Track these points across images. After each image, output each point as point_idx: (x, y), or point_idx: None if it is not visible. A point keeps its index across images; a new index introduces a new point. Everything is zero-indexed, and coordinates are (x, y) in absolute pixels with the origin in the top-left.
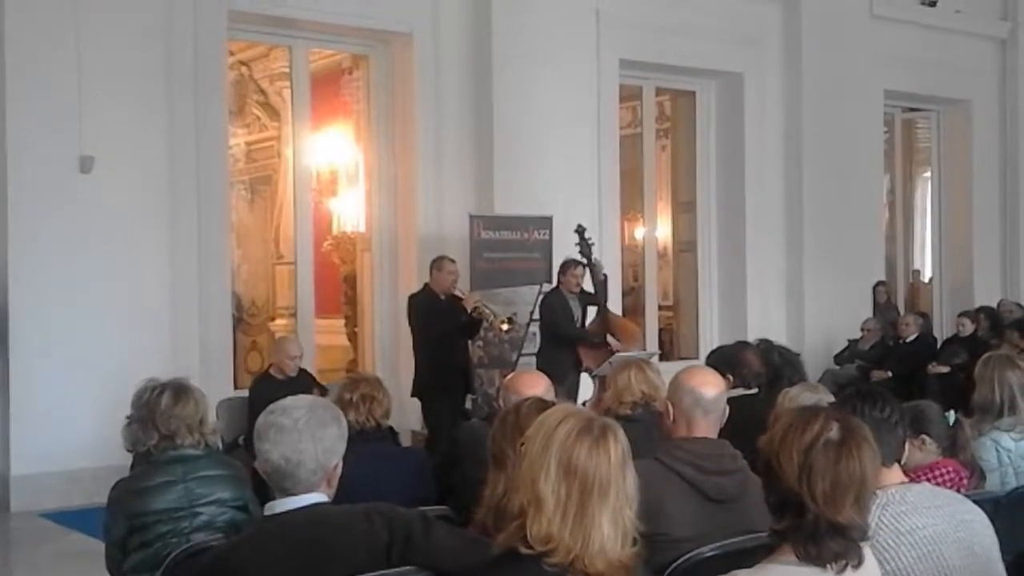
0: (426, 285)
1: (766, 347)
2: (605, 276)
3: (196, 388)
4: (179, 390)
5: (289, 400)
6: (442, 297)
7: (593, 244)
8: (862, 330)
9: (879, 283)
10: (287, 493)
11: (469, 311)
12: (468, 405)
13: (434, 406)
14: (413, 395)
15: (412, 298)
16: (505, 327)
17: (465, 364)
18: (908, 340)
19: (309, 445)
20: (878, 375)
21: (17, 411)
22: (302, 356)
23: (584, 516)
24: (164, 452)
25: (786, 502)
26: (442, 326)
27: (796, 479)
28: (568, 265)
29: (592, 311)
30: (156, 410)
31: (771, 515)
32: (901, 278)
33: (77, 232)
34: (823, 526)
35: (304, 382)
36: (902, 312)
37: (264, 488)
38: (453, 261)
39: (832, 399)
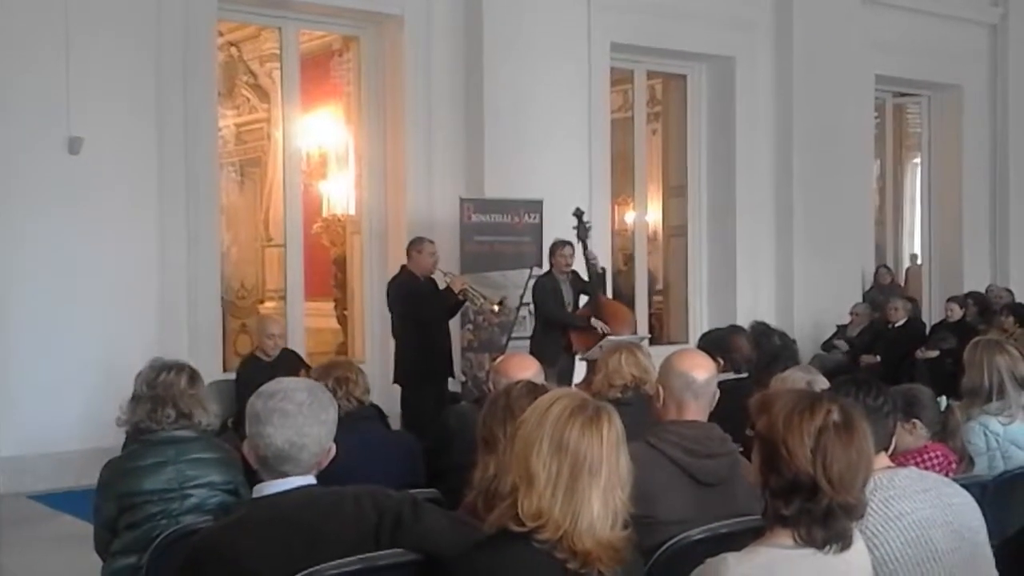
0: (404, 267)
1: (764, 330)
2: (603, 270)
3: None
4: (192, 371)
5: (286, 383)
6: (421, 279)
7: (591, 228)
8: (851, 315)
9: (882, 266)
10: (282, 476)
11: (457, 292)
12: (456, 388)
13: (417, 393)
14: (395, 381)
15: (393, 281)
16: (496, 308)
17: (449, 348)
18: (897, 325)
19: (314, 428)
20: (867, 360)
21: (5, 392)
22: (283, 335)
23: (574, 493)
24: (157, 433)
25: (796, 486)
26: (429, 309)
27: (810, 463)
28: (557, 245)
29: (584, 298)
30: (175, 389)
31: (774, 500)
32: (892, 263)
33: (65, 213)
34: (836, 508)
35: (291, 362)
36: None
37: (252, 470)
38: (432, 242)
39: (825, 381)
